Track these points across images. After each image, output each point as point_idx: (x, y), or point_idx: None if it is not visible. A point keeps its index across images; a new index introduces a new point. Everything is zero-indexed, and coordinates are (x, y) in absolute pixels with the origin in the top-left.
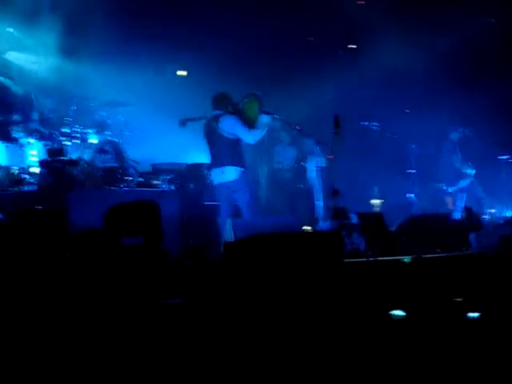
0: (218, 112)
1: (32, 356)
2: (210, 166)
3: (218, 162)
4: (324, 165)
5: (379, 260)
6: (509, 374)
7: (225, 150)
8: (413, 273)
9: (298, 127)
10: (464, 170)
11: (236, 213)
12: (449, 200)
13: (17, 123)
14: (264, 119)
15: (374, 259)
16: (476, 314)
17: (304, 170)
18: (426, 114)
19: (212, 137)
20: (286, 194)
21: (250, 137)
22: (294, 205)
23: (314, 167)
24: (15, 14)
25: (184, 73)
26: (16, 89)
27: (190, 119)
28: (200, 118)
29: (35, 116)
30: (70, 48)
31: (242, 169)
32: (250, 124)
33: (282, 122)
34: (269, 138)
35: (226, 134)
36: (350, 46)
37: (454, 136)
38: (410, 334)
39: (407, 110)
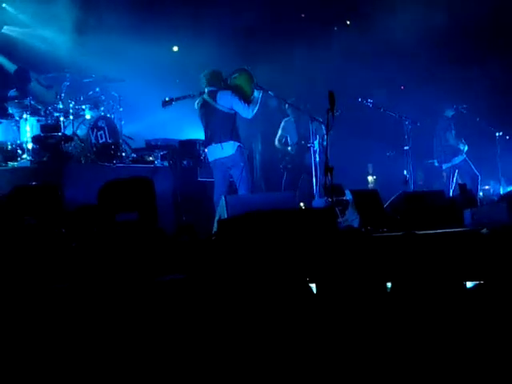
0: (212, 88)
1: (28, 332)
2: (207, 142)
3: (215, 137)
4: (324, 142)
5: (374, 235)
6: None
7: (223, 126)
8: (406, 248)
9: (290, 102)
10: (458, 147)
11: (231, 189)
12: (442, 177)
13: (11, 99)
14: (257, 94)
15: (368, 233)
16: (472, 283)
17: (305, 147)
18: (420, 91)
19: (208, 113)
20: (288, 170)
21: (248, 111)
22: (293, 181)
23: (312, 144)
24: None
25: (175, 48)
26: (9, 65)
27: (177, 98)
28: (185, 97)
29: (30, 92)
30: (65, 22)
31: (239, 143)
32: (246, 99)
33: (276, 98)
34: (276, 112)
35: (223, 109)
36: (347, 22)
37: (449, 113)
38: (403, 306)
39: (402, 87)
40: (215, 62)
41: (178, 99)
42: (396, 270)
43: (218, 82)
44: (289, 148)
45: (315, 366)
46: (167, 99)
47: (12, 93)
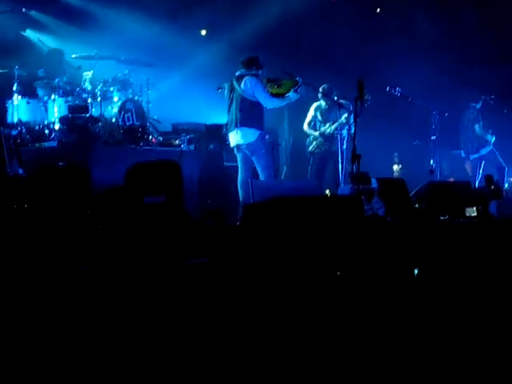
0: (242, 72)
1: (53, 314)
2: (228, 127)
3: (236, 123)
4: (352, 130)
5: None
6: None
7: (245, 112)
8: (433, 237)
9: (318, 89)
10: (485, 138)
11: (254, 175)
12: (469, 167)
13: (40, 79)
14: (292, 96)
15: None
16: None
17: (333, 134)
18: (449, 81)
19: (233, 97)
20: (315, 155)
21: (268, 102)
22: (319, 167)
23: (339, 132)
24: None
25: (204, 32)
26: (41, 45)
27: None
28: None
29: (60, 73)
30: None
31: (260, 131)
32: (277, 95)
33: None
34: (304, 98)
35: (246, 96)
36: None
37: (477, 104)
38: (429, 291)
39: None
40: (245, 48)
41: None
42: (421, 258)
43: (251, 67)
44: (317, 133)
45: (344, 353)
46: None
47: (41, 73)
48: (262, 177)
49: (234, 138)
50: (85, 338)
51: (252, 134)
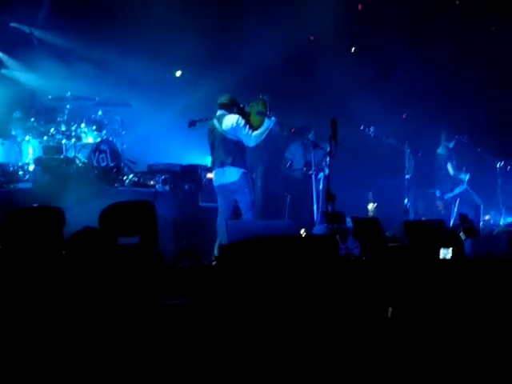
0: (222, 112)
1: (28, 356)
2: (212, 167)
3: (220, 162)
4: (326, 171)
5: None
6: None
7: (228, 151)
8: (408, 276)
9: (293, 130)
10: (459, 176)
11: (235, 214)
12: (441, 206)
13: (15, 120)
14: (267, 124)
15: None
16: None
17: (307, 174)
18: (422, 120)
19: (215, 137)
20: (292, 195)
21: (251, 140)
22: (295, 207)
23: (314, 172)
24: None
25: (179, 73)
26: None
27: (199, 120)
28: (207, 119)
29: (33, 114)
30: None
31: (243, 170)
32: (254, 127)
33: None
34: (278, 138)
35: (228, 135)
36: (353, 49)
37: (449, 143)
38: (404, 331)
39: (404, 115)
40: (220, 85)
41: (199, 121)
42: (396, 297)
43: (230, 107)
44: (294, 173)
45: None
46: (194, 120)
47: (16, 114)
48: (244, 215)
49: (218, 177)
50: (59, 380)
51: (236, 173)
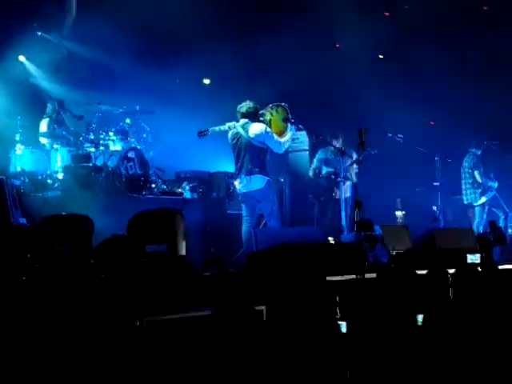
0: (247, 121)
1: (56, 362)
2: (237, 175)
3: (245, 170)
4: (354, 179)
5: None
6: None
7: (253, 159)
8: (433, 284)
9: (321, 137)
10: (487, 184)
11: (260, 222)
12: (470, 213)
13: (45, 129)
14: (291, 130)
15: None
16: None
17: (335, 181)
18: (450, 127)
19: (240, 145)
20: (320, 202)
21: (280, 147)
22: (323, 214)
23: (342, 179)
24: None
25: (208, 81)
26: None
27: (212, 129)
28: (220, 129)
29: (62, 122)
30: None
31: (268, 178)
32: (279, 134)
33: (306, 132)
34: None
35: (255, 143)
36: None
37: (477, 151)
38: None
39: (432, 122)
40: (248, 95)
41: (213, 130)
42: (425, 305)
43: (253, 115)
44: (322, 180)
45: None
46: (203, 130)
47: (44, 123)
48: (269, 223)
49: (244, 184)
50: None
51: (261, 181)
